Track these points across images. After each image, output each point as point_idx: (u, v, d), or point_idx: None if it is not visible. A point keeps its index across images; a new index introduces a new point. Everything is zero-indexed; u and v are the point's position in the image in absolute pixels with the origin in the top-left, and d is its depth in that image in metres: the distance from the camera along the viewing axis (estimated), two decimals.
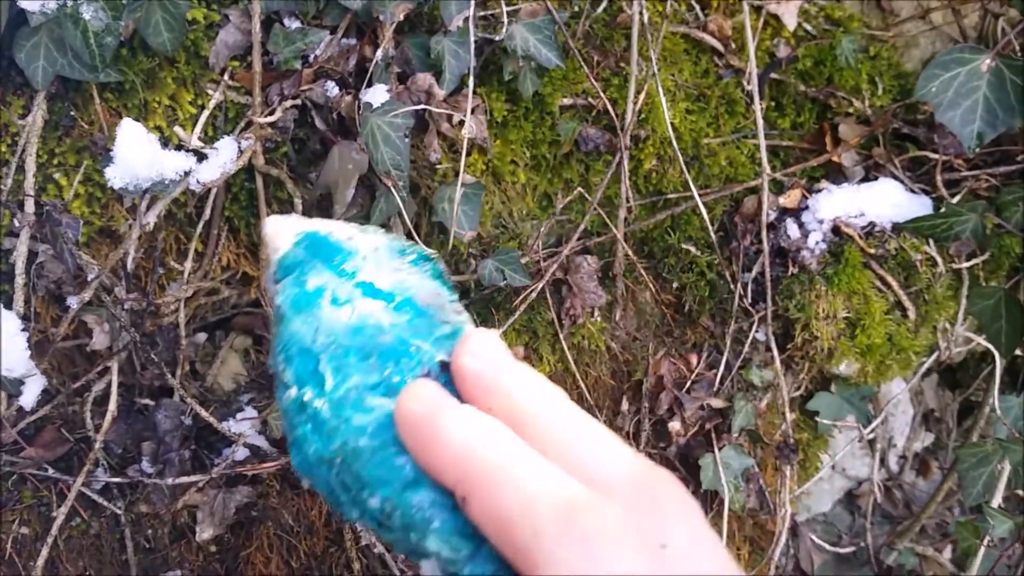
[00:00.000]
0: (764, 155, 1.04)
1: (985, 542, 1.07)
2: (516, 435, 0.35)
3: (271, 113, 0.88)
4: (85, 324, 0.91)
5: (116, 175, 0.81)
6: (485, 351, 0.39)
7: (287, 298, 0.42)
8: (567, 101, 1.03)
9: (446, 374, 0.40)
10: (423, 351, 0.41)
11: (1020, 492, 1.16)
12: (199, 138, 0.89)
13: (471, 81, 0.93)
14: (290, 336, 0.41)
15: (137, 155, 0.81)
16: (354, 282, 0.43)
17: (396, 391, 0.39)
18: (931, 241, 1.10)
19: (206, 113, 0.90)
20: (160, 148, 0.83)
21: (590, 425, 0.37)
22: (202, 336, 1.00)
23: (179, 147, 0.88)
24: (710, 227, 1.06)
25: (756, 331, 1.09)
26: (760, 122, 1.03)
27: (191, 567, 0.96)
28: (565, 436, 0.36)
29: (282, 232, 0.44)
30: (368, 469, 0.37)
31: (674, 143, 1.03)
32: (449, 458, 0.35)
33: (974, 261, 1.11)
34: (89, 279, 0.86)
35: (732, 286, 1.08)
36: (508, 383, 0.38)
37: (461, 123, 0.96)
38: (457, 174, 0.95)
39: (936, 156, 1.10)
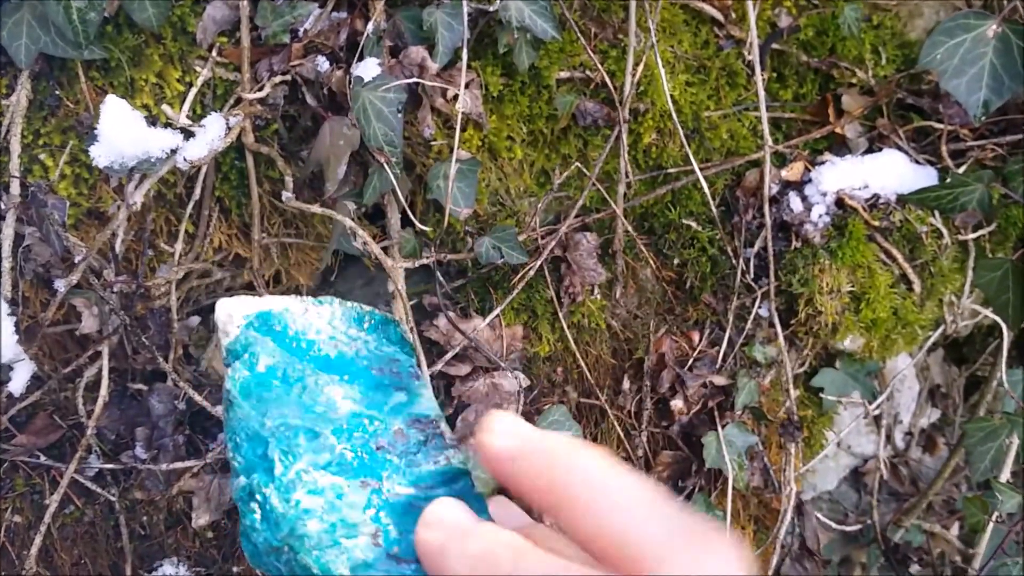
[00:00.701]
0: (766, 127, 1.02)
1: (993, 518, 1.06)
2: (531, 547, 0.34)
3: (260, 89, 0.86)
4: (75, 308, 0.90)
5: (101, 153, 0.79)
6: (510, 428, 0.38)
7: (236, 382, 0.41)
8: (564, 74, 1.01)
9: (402, 443, 0.41)
10: (376, 422, 0.41)
11: None
12: (187, 116, 0.87)
13: (465, 54, 0.90)
14: (238, 422, 0.40)
15: (122, 133, 0.79)
16: (307, 358, 0.43)
17: (349, 467, 0.38)
18: (936, 213, 1.08)
19: (194, 90, 0.88)
20: (146, 125, 0.81)
21: (630, 489, 0.34)
22: (195, 319, 0.98)
23: (167, 125, 0.86)
24: (711, 202, 1.04)
25: (759, 307, 1.07)
26: (762, 94, 1.01)
27: (187, 554, 0.95)
28: (603, 508, 0.34)
29: (233, 315, 0.44)
30: (315, 558, 0.36)
31: (674, 116, 1.01)
32: None
33: (980, 232, 1.09)
34: (77, 261, 0.85)
35: (734, 261, 1.06)
36: (543, 460, 0.36)
37: (456, 98, 0.93)
38: (452, 150, 0.93)
39: (941, 126, 1.08)
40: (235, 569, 0.96)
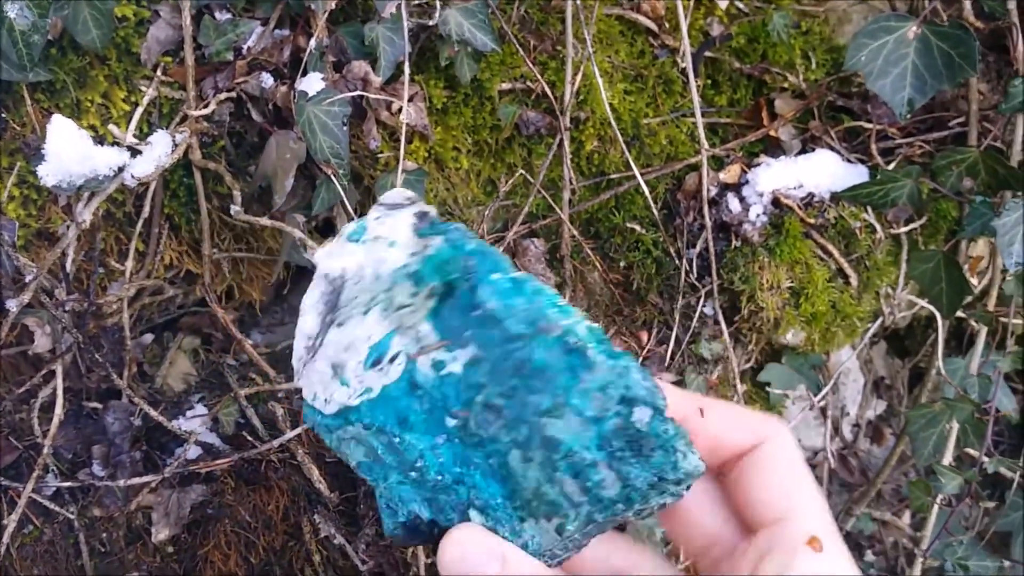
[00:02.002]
0: (702, 132, 1.06)
1: (937, 500, 1.09)
2: None
3: (206, 106, 0.88)
4: (27, 328, 0.90)
5: (48, 172, 0.81)
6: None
7: None
8: (506, 86, 1.04)
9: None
10: None
11: (970, 451, 1.18)
12: (134, 135, 0.88)
13: (407, 68, 0.93)
14: None
15: (69, 151, 0.80)
16: None
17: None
18: (869, 208, 1.12)
19: (140, 110, 0.89)
20: (92, 144, 0.82)
21: None
22: (148, 337, 0.99)
23: (115, 144, 0.87)
24: (653, 205, 1.08)
25: (703, 305, 1.10)
26: (697, 100, 1.05)
27: (148, 569, 0.95)
28: None
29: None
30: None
31: (613, 124, 1.04)
32: None
33: (912, 226, 1.13)
34: (28, 281, 0.85)
35: (678, 262, 1.09)
36: None
37: (400, 110, 0.96)
38: (399, 161, 0.95)
39: (870, 126, 1.12)
40: None
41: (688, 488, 0.43)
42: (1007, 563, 1.10)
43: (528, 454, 0.41)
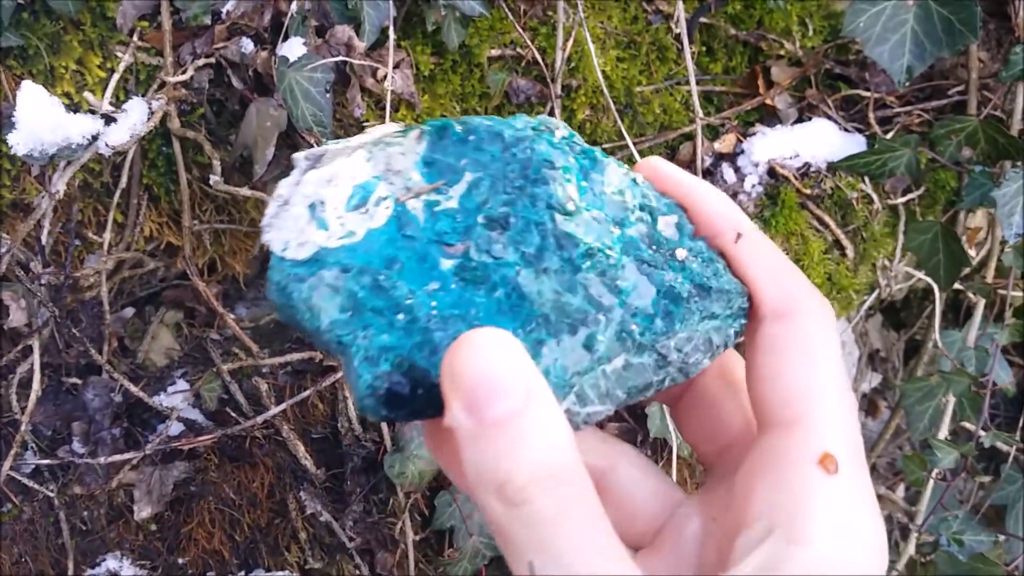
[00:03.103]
0: (697, 101, 1.03)
1: (933, 474, 1.08)
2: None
3: (183, 73, 0.85)
4: (2, 302, 0.88)
5: (19, 141, 0.78)
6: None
7: None
8: (495, 52, 1.01)
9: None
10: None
11: (966, 424, 1.17)
12: (110, 103, 0.85)
13: (392, 33, 0.90)
14: None
15: (41, 119, 0.77)
16: None
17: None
18: (866, 179, 1.10)
19: (116, 76, 0.86)
20: (64, 111, 0.79)
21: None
22: (130, 311, 0.97)
23: (91, 112, 0.85)
24: None
25: None
26: (692, 67, 1.02)
27: (131, 547, 0.94)
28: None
29: None
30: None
31: (605, 92, 1.01)
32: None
33: (909, 196, 1.11)
34: (2, 253, 0.83)
35: None
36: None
37: (386, 77, 0.93)
38: None
39: (868, 94, 1.10)
40: (180, 560, 0.95)
41: (739, 322, 0.36)
42: (1002, 537, 1.09)
43: (541, 266, 0.35)
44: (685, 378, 0.37)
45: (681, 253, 0.36)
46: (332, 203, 0.36)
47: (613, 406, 0.36)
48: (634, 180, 0.38)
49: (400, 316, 0.34)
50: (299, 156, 0.38)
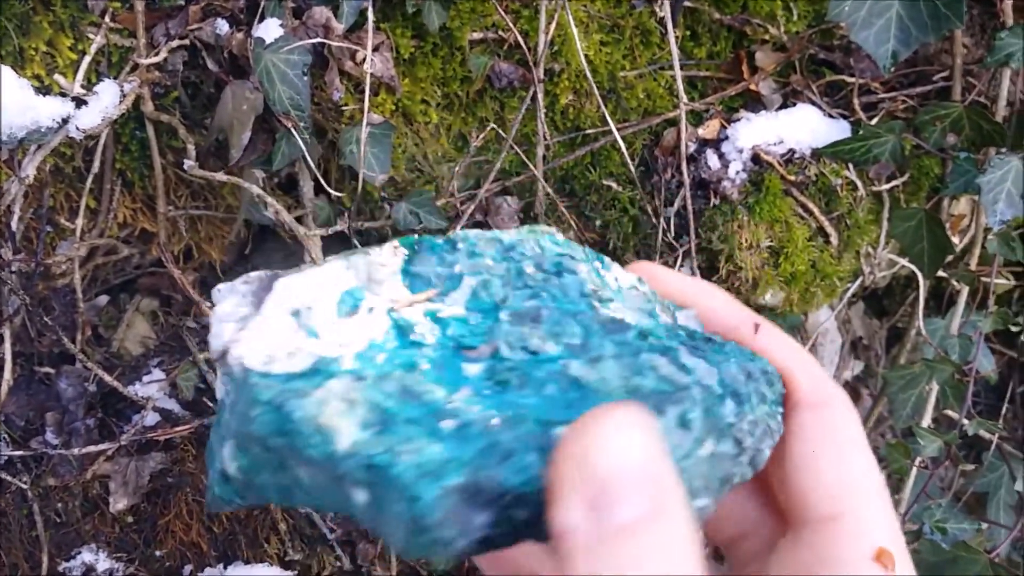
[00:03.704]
0: (680, 86, 1.02)
1: (916, 463, 1.08)
2: None
3: (157, 54, 0.83)
4: None
5: None
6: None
7: None
8: (477, 35, 1.00)
9: None
10: None
11: (949, 412, 1.17)
12: (82, 85, 0.83)
13: (371, 14, 0.88)
14: None
15: (8, 102, 0.75)
16: None
17: None
18: (851, 165, 1.09)
19: (88, 58, 0.84)
20: (34, 94, 0.77)
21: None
22: (104, 299, 0.95)
23: (62, 94, 0.82)
24: (630, 162, 1.04)
25: (681, 265, 1.07)
26: (676, 52, 1.01)
27: (107, 539, 0.92)
28: None
29: None
30: None
31: (588, 76, 1.00)
32: None
33: (894, 183, 1.10)
34: None
35: (655, 221, 1.06)
36: None
37: (365, 60, 0.91)
38: (364, 114, 0.91)
39: (853, 80, 1.09)
40: (158, 553, 0.93)
41: (782, 408, 0.34)
42: (984, 525, 1.10)
43: (592, 354, 0.31)
44: (753, 472, 0.34)
45: (714, 341, 0.34)
46: (320, 309, 0.31)
47: (713, 501, 0.32)
48: (639, 278, 0.37)
49: (446, 423, 0.28)
50: (236, 282, 0.34)
